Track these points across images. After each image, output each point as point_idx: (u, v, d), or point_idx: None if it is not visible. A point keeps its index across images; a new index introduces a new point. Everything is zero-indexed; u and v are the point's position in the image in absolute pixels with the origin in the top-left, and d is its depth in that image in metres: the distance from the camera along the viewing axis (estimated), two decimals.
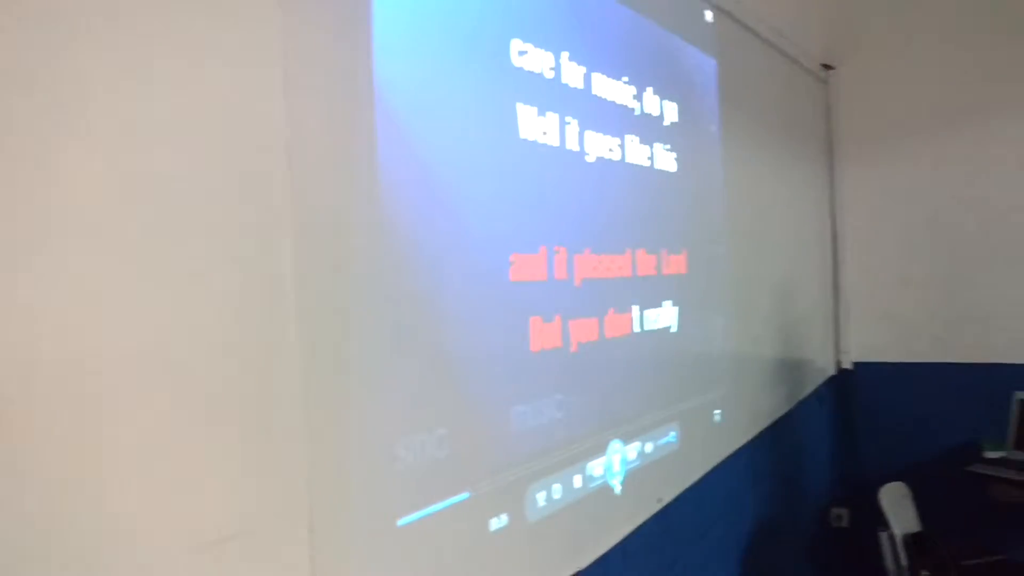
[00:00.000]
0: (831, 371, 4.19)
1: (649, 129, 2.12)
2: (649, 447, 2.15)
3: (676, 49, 2.33)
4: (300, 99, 1.15)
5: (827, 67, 4.06)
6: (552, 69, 1.71)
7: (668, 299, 2.24)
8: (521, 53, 1.61)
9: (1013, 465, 3.43)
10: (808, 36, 3.87)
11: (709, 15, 2.56)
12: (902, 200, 4.07)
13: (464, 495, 1.46)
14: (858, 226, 4.14)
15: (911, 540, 2.81)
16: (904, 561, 2.76)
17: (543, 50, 1.68)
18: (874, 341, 4.16)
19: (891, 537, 2.86)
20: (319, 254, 1.18)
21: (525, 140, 1.63)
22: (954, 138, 3.93)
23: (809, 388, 3.79)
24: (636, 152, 2.05)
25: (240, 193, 1.08)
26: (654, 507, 2.22)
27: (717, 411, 2.62)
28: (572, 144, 1.78)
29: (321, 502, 1.16)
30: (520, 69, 1.61)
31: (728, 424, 2.71)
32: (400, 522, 1.32)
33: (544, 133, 1.68)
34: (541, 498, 1.69)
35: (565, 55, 1.75)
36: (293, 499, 1.13)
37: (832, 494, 4.12)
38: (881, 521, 3.11)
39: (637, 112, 2.07)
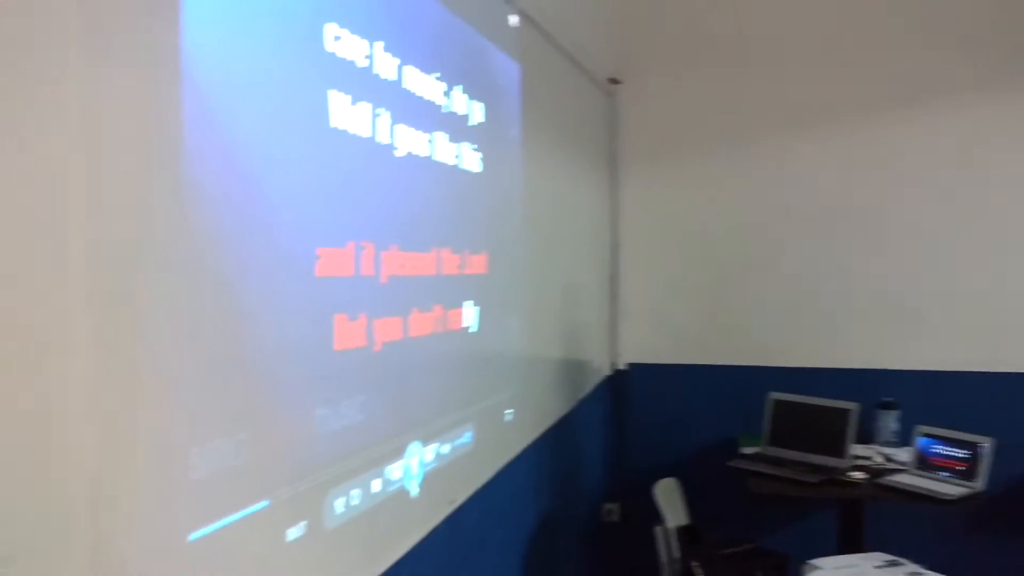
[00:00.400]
0: (608, 371, 4.38)
1: (457, 128, 2.10)
2: (446, 448, 2.13)
3: (484, 50, 2.33)
4: (96, 67, 1.02)
5: (614, 81, 4.25)
6: (366, 58, 1.64)
7: (470, 299, 2.23)
8: (336, 39, 1.53)
9: (767, 460, 3.74)
10: (598, 50, 4.03)
11: (514, 20, 2.59)
12: (676, 212, 4.35)
13: (262, 504, 1.37)
14: (637, 235, 4.37)
15: (682, 532, 2.99)
16: (676, 553, 2.92)
17: (358, 37, 1.61)
18: (647, 343, 4.40)
19: (665, 531, 3.02)
20: (113, 242, 1.05)
21: (336, 129, 1.55)
22: (723, 156, 4.25)
23: (588, 388, 3.95)
24: (444, 150, 2.02)
25: (25, 171, 0.94)
26: (447, 509, 2.20)
27: (509, 411, 2.65)
28: (383, 137, 1.72)
29: (105, 519, 1.04)
30: (333, 55, 1.54)
31: (518, 424, 2.75)
32: (192, 536, 1.20)
33: (355, 123, 1.61)
34: (340, 504, 1.62)
35: (379, 45, 1.69)
36: (73, 516, 1.00)
37: (605, 490, 4.31)
38: (652, 515, 3.29)
39: (446, 109, 2.04)
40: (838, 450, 3.66)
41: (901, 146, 4.08)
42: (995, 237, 4.01)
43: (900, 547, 2.89)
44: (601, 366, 4.30)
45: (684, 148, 4.31)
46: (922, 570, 2.66)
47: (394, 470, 1.85)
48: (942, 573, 2.64)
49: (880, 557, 2.81)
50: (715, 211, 4.30)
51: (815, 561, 2.78)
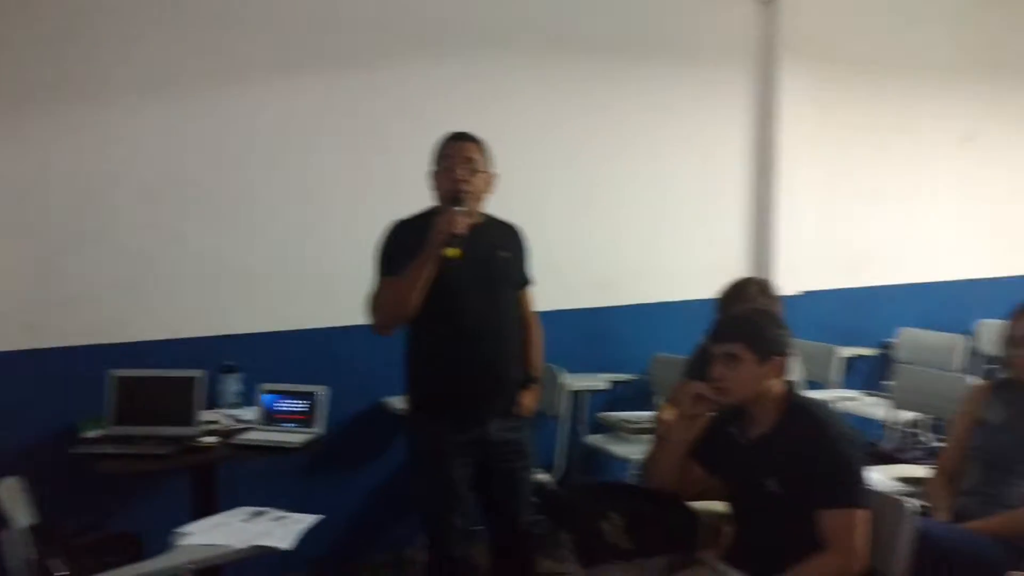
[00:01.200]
0: None
1: None
2: None
3: None
4: None
5: None
6: None
7: None
8: None
9: (114, 440, 3.60)
10: None
11: None
12: None
13: None
14: None
15: (33, 533, 2.73)
16: (31, 555, 2.66)
17: None
18: None
19: (13, 533, 2.72)
20: None
21: None
22: (45, 120, 3.85)
23: None
24: None
25: None
26: None
27: None
28: None
29: None
30: None
31: None
32: None
33: None
34: None
35: None
36: None
37: None
38: None
39: None
40: (187, 418, 3.71)
41: (234, 117, 4.22)
42: (321, 205, 4.44)
43: (258, 499, 3.07)
44: None
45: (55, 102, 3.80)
46: (285, 513, 2.90)
47: None
48: (300, 512, 2.91)
49: (244, 511, 2.97)
50: (40, 179, 3.87)
51: (183, 528, 2.80)
